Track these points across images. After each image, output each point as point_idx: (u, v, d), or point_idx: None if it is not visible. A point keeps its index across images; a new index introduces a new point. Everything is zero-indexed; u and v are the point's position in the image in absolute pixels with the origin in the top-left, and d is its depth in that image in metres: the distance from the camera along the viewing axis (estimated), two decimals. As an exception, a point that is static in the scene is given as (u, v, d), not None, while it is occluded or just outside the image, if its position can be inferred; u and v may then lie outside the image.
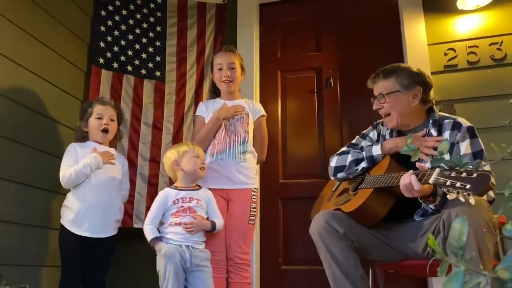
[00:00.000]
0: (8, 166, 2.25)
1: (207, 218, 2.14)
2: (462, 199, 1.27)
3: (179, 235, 2.03)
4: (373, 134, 2.09)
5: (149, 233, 2.05)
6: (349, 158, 1.99)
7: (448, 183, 1.33)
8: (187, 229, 2.02)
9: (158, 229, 2.10)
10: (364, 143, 2.06)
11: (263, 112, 2.52)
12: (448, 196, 1.32)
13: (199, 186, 2.20)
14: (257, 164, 2.44)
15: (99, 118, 2.36)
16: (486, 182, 1.24)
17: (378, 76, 1.95)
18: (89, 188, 2.24)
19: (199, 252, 2.05)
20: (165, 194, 2.12)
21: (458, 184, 1.29)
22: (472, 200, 1.25)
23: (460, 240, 0.50)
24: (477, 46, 2.69)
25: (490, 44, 2.67)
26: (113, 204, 2.30)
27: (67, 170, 2.23)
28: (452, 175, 1.33)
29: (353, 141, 2.12)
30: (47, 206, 2.50)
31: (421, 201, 1.67)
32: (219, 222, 2.14)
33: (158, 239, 2.03)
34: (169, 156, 2.19)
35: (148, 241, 2.05)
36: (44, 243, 2.46)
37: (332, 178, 2.11)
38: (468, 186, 1.26)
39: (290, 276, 2.81)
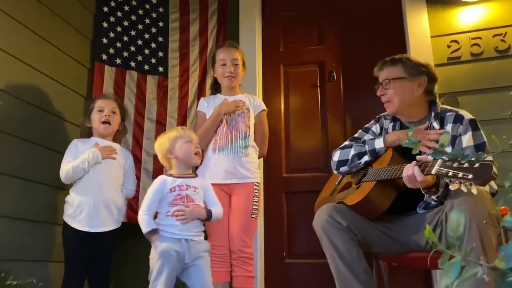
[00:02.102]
0: (13, 163, 2.27)
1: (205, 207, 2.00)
2: (464, 189, 1.28)
3: (175, 227, 1.88)
4: (375, 128, 2.09)
5: (145, 225, 1.87)
6: (352, 152, 1.99)
7: (450, 173, 1.33)
8: (178, 218, 1.87)
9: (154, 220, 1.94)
10: (367, 137, 2.06)
11: (263, 106, 2.53)
12: (450, 187, 1.32)
13: (195, 174, 2.07)
14: (258, 158, 2.45)
15: (100, 111, 2.39)
16: (488, 172, 1.25)
17: (386, 63, 1.96)
18: (88, 183, 2.25)
19: (197, 244, 1.91)
20: (160, 181, 1.96)
21: (460, 175, 1.30)
22: (474, 190, 1.25)
23: (457, 230, 0.50)
24: (480, 38, 2.67)
25: (493, 36, 2.65)
26: (112, 198, 2.30)
27: (65, 166, 2.26)
28: (454, 165, 1.33)
29: (356, 135, 2.13)
30: (52, 202, 2.52)
31: (423, 192, 1.67)
32: (217, 209, 1.99)
33: (155, 231, 1.87)
34: (160, 144, 2.04)
35: (143, 233, 1.89)
36: (50, 238, 2.48)
37: (335, 172, 2.12)
38: (470, 176, 1.27)
39: (295, 270, 2.82)
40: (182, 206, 1.90)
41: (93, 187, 2.25)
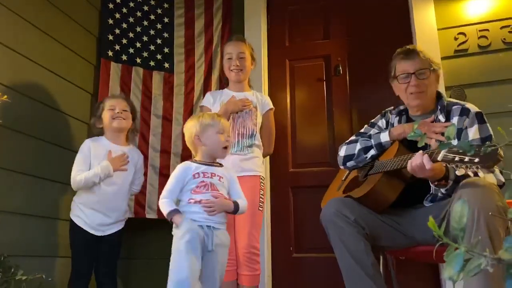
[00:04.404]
0: (20, 159, 2.29)
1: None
2: (471, 173, 1.28)
3: (199, 214, 1.76)
4: (381, 123, 2.08)
5: (166, 207, 1.77)
6: (358, 146, 1.99)
7: (456, 158, 1.34)
8: (206, 208, 1.76)
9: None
10: (373, 131, 2.06)
11: (271, 105, 2.52)
12: (457, 172, 1.33)
13: (220, 164, 1.94)
14: (264, 157, 2.44)
15: (111, 110, 2.38)
16: (494, 154, 1.25)
17: (414, 52, 1.93)
18: (98, 192, 2.28)
19: (221, 234, 1.81)
20: (184, 166, 1.86)
21: (466, 159, 1.30)
22: (481, 174, 1.25)
23: (461, 222, 0.50)
24: (488, 30, 2.64)
25: (501, 28, 2.62)
26: (119, 205, 2.34)
27: (78, 175, 2.26)
28: (460, 151, 1.34)
29: (362, 130, 2.12)
30: (60, 198, 2.54)
31: (433, 185, 1.67)
32: (243, 203, 1.88)
33: (177, 211, 1.75)
34: (189, 127, 1.93)
35: (165, 216, 1.77)
36: (57, 234, 2.50)
37: (341, 167, 2.11)
38: (476, 160, 1.27)
39: (302, 264, 2.82)
40: (211, 197, 1.79)
41: (102, 196, 2.28)
